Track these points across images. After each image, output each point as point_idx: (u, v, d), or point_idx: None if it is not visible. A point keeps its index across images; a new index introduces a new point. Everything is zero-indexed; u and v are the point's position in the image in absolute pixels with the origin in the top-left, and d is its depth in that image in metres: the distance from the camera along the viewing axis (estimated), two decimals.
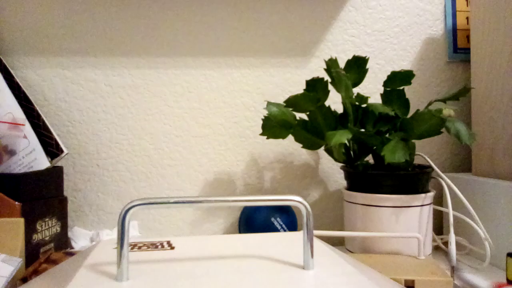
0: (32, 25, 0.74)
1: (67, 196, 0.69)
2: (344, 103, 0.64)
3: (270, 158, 0.80)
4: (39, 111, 0.67)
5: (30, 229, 0.57)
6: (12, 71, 0.68)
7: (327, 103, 0.63)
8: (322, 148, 0.67)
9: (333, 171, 0.81)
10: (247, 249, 0.37)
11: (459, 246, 0.69)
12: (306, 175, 0.80)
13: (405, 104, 0.64)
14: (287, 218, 0.67)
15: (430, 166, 0.62)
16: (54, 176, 0.66)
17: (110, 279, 0.29)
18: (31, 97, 0.68)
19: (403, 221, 0.58)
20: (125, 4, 0.76)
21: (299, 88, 0.80)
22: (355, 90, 0.64)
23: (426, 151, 0.83)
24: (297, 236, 0.43)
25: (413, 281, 0.47)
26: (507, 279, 0.49)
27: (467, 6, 0.83)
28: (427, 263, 0.52)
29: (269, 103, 0.63)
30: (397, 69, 0.82)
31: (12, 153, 0.62)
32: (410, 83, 0.63)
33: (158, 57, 0.77)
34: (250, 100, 0.79)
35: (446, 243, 0.71)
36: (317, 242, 0.41)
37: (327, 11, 0.81)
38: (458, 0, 0.83)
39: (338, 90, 0.63)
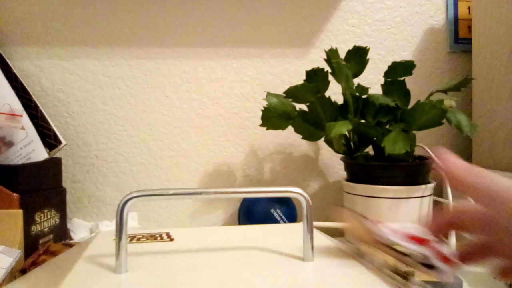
0: (30, 15, 0.73)
1: (65, 187, 0.69)
2: (344, 94, 0.63)
3: (269, 149, 0.79)
4: (37, 102, 0.67)
5: (29, 221, 0.57)
6: (9, 62, 0.68)
7: (327, 94, 0.63)
8: (322, 139, 0.67)
9: (333, 162, 0.81)
10: (246, 241, 0.37)
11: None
12: (306, 166, 0.80)
13: (406, 95, 0.63)
14: (287, 210, 0.67)
15: (430, 157, 0.62)
16: (52, 167, 0.66)
17: (108, 271, 0.29)
18: (28, 88, 0.67)
19: (403, 212, 0.58)
20: None
21: (299, 78, 0.79)
22: (356, 81, 0.64)
23: (426, 142, 0.83)
24: (297, 228, 0.43)
25: (413, 272, 0.47)
26: None
27: None
28: None
29: (268, 94, 0.63)
30: (398, 59, 0.81)
31: (9, 144, 0.61)
32: (411, 74, 0.62)
33: (157, 47, 0.76)
34: (250, 91, 0.79)
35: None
36: (317, 233, 0.41)
37: (328, 1, 0.80)
38: None
39: (338, 80, 0.63)
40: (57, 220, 0.65)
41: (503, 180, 0.28)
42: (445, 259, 0.32)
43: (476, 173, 0.29)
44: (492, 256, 0.32)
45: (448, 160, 0.30)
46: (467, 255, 0.33)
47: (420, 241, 0.32)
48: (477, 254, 0.33)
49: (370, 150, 0.71)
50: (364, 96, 0.63)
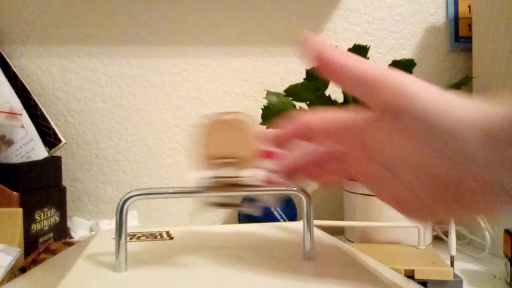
0: (29, 14, 0.73)
1: (65, 186, 0.69)
2: (344, 93, 0.63)
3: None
4: (37, 100, 0.67)
5: (28, 219, 0.57)
6: (8, 60, 0.67)
7: (327, 93, 0.63)
8: None
9: None
10: (246, 239, 0.37)
11: (459, 235, 0.69)
12: None
13: None
14: (287, 208, 0.67)
15: None
16: (52, 166, 0.66)
17: (108, 269, 0.29)
18: (28, 87, 0.67)
19: None
20: None
21: (299, 77, 0.79)
22: None
23: None
24: (297, 226, 0.43)
25: (413, 271, 0.47)
26: (504, 254, 0.50)
27: None
28: (427, 253, 0.52)
29: (268, 93, 0.63)
30: (398, 58, 0.81)
31: (9, 143, 0.61)
32: (411, 72, 0.62)
33: (157, 46, 0.76)
34: (250, 90, 0.78)
35: (446, 233, 0.70)
36: (317, 232, 0.41)
37: (328, 0, 0.80)
38: None
39: None
40: (57, 219, 0.65)
41: (380, 65, 0.24)
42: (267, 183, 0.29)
43: (350, 55, 0.24)
44: (331, 168, 0.29)
45: (317, 42, 0.25)
46: (297, 169, 0.30)
47: (266, 154, 0.29)
48: (309, 167, 0.29)
49: None
50: None
